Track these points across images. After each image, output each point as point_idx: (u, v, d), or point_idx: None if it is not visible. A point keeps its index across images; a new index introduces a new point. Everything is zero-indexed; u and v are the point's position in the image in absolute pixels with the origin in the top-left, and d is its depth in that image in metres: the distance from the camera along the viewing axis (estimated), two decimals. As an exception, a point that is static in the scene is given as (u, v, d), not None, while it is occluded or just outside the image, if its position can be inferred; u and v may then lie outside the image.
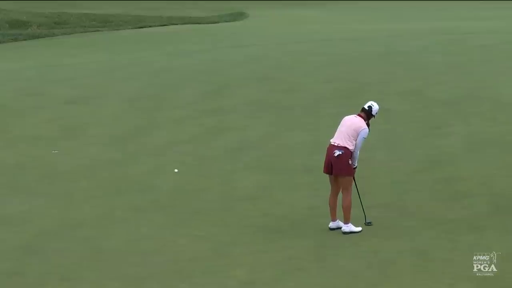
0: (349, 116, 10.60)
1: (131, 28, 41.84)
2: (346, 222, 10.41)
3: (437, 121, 16.15)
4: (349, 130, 10.40)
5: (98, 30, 40.85)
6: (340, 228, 10.46)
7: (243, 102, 18.35)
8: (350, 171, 10.43)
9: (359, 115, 10.54)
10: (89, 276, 9.21)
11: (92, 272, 9.29)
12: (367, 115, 10.54)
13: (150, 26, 42.64)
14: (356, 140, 10.38)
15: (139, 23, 44.40)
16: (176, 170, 13.34)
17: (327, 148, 10.48)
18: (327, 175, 10.58)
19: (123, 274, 9.25)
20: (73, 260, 9.56)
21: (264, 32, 37.01)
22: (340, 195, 10.54)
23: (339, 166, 10.34)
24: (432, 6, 49.47)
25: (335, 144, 10.39)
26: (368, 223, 10.62)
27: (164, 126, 16.48)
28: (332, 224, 10.55)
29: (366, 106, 10.57)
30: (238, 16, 49.30)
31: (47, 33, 38.80)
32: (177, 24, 43.76)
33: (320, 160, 10.94)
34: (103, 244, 10.00)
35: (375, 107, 10.58)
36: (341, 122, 10.55)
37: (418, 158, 13.69)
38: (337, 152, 10.33)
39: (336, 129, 10.55)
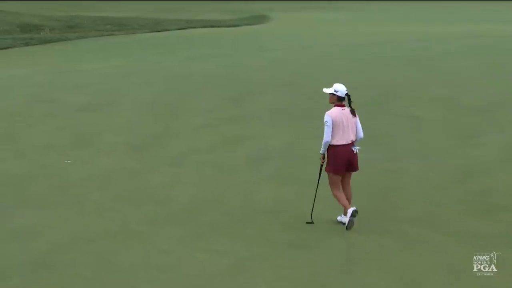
0: (335, 112, 10.78)
1: (148, 32, 42.11)
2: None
3: (470, 130, 16.03)
4: (351, 124, 10.80)
5: (113, 34, 41.15)
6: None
7: (264, 109, 18.33)
8: None
9: (340, 105, 10.81)
10: (102, 292, 9.18)
11: (106, 289, 9.26)
12: (349, 102, 10.91)
13: (167, 30, 42.92)
14: (356, 128, 10.86)
15: (156, 26, 44.69)
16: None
17: (339, 149, 10.76)
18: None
19: (138, 290, 9.22)
20: (85, 276, 9.53)
21: (286, 36, 37.04)
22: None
23: (357, 162, 10.92)
24: (461, 7, 49.24)
25: (350, 142, 10.81)
26: (310, 222, 11.01)
27: (182, 134, 16.48)
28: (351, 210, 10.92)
29: (343, 95, 10.81)
30: (260, 19, 49.41)
31: (60, 37, 39.12)
32: (195, 28, 43.96)
33: (346, 171, 10.93)
34: (117, 259, 9.98)
35: (343, 88, 10.84)
36: (338, 121, 10.72)
37: (450, 169, 13.58)
38: (355, 149, 10.83)
39: (334, 130, 10.77)
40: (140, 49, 33.70)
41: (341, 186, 11.03)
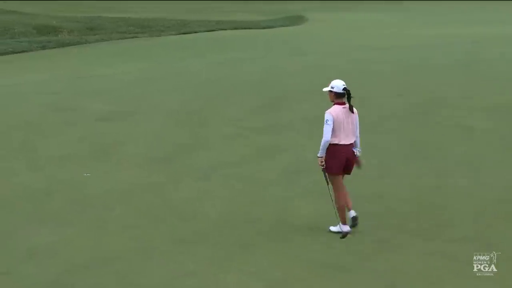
0: (335, 110, 10.96)
1: (174, 34, 42.34)
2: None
3: (527, 141, 15.90)
4: (352, 123, 11.04)
5: (136, 36, 41.43)
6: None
7: (300, 118, 18.33)
8: None
9: (341, 103, 11.01)
10: (123, 317, 9.23)
11: (127, 313, 9.31)
12: (348, 98, 11.07)
13: (195, 32, 43.12)
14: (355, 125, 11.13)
15: (183, 28, 44.94)
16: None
17: (339, 148, 10.95)
18: (332, 179, 11.21)
19: (162, 315, 9.25)
20: (105, 299, 9.59)
21: (324, 38, 37.04)
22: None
23: (353, 164, 11.15)
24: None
25: (351, 143, 11.04)
26: (343, 237, 11.14)
27: (210, 145, 16.53)
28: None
29: (340, 91, 11.00)
30: (296, 20, 49.49)
31: (79, 40, 39.47)
32: (226, 29, 44.13)
33: (391, 185, 10.88)
34: (139, 280, 10.02)
35: (339, 84, 11.05)
36: (339, 120, 10.90)
37: (505, 185, 13.46)
38: (356, 150, 11.12)
39: (335, 129, 10.94)
40: (166, 52, 33.90)
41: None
